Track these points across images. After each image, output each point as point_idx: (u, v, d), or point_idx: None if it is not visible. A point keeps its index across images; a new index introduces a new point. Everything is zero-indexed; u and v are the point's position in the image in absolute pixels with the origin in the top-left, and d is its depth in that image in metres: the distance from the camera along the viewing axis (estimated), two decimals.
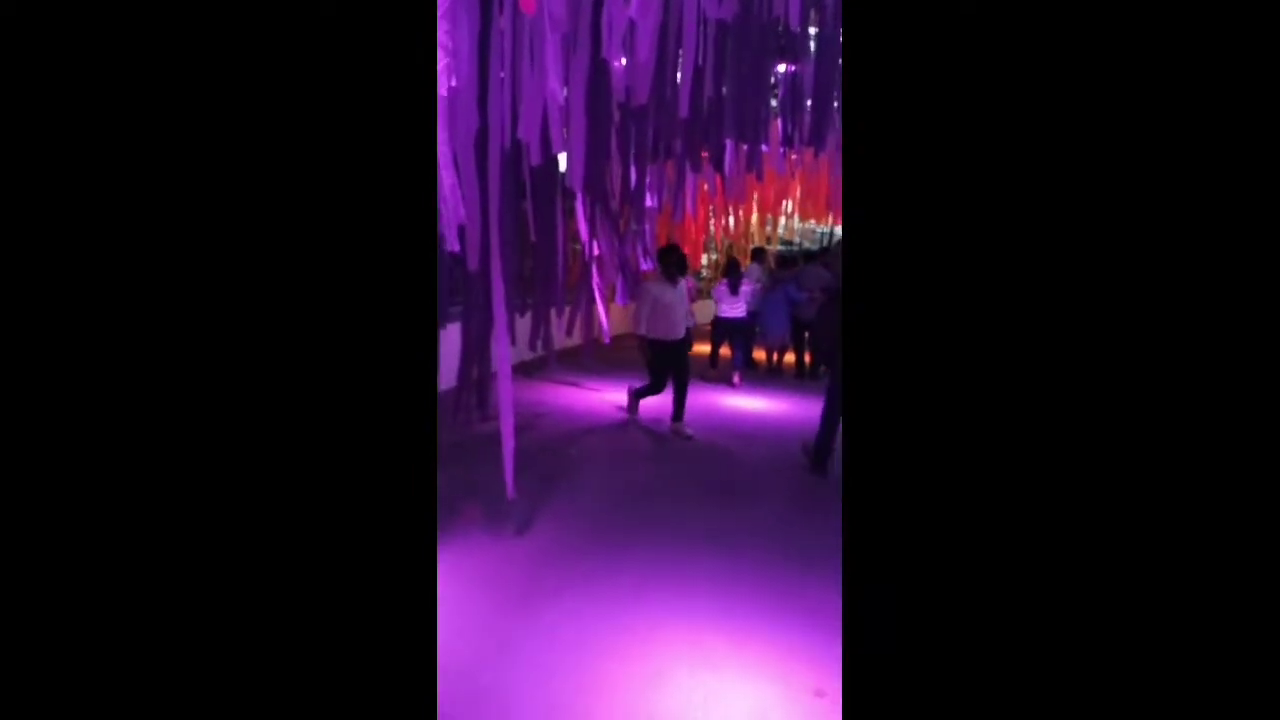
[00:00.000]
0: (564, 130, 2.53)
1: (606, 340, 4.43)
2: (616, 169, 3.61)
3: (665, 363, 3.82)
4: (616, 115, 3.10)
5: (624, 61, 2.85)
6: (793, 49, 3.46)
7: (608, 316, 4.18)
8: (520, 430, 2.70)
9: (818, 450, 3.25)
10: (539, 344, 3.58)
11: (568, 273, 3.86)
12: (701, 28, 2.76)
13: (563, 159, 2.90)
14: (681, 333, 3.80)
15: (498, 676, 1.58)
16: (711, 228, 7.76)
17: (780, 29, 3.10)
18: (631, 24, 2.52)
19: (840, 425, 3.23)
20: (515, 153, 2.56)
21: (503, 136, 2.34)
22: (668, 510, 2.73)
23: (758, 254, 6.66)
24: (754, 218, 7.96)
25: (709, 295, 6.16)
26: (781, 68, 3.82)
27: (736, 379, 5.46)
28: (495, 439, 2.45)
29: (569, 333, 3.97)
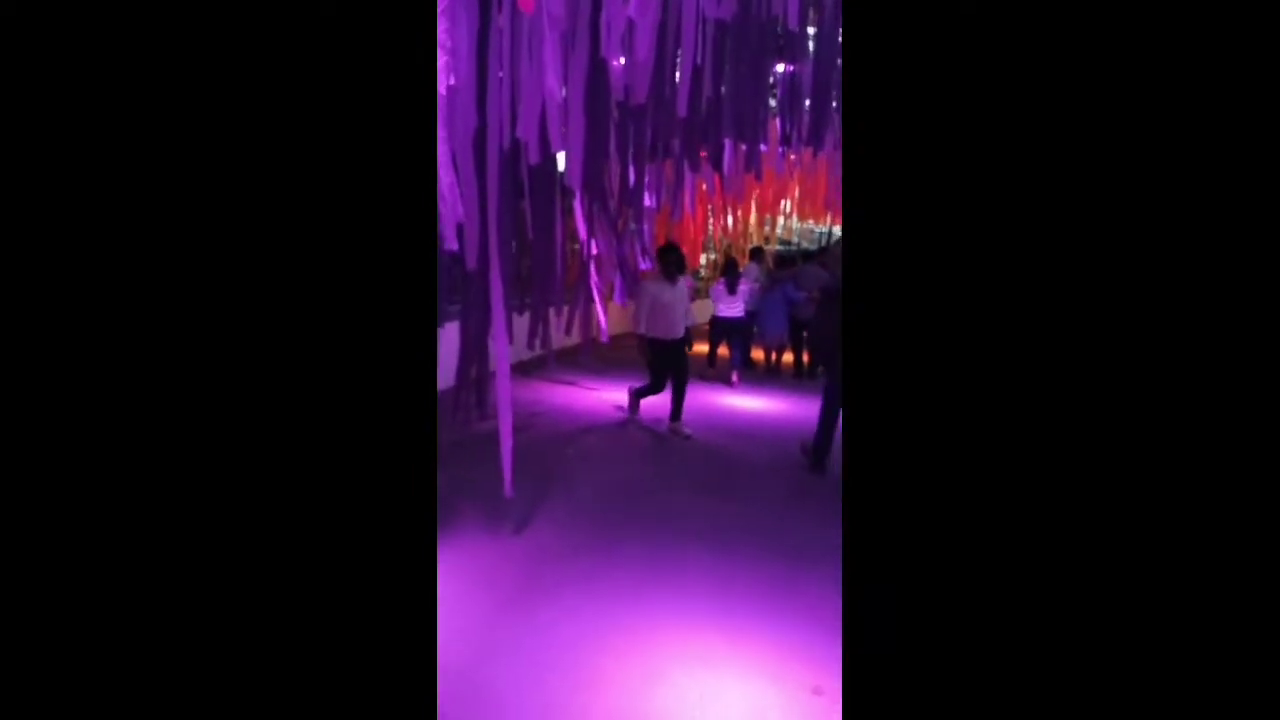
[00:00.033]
0: (562, 129, 2.53)
1: (604, 339, 4.43)
2: (615, 168, 3.61)
3: (664, 362, 3.82)
4: (615, 114, 3.10)
5: (623, 60, 2.85)
6: (791, 49, 3.47)
7: (606, 316, 4.18)
8: (518, 429, 2.70)
9: (816, 450, 3.26)
10: (537, 343, 3.58)
11: (566, 272, 3.86)
12: (700, 27, 2.76)
13: (561, 158, 2.90)
14: (681, 332, 3.81)
15: (495, 674, 1.59)
16: (710, 227, 7.76)
17: (779, 29, 3.10)
18: (630, 23, 2.52)
19: (838, 424, 3.23)
20: (514, 151, 2.55)
21: (501, 135, 2.34)
22: (666, 509, 2.73)
23: (756, 254, 6.66)
24: (752, 217, 7.97)
25: (706, 295, 6.16)
26: (780, 67, 3.82)
27: (735, 378, 5.47)
28: (493, 438, 2.45)
29: (567, 332, 3.97)
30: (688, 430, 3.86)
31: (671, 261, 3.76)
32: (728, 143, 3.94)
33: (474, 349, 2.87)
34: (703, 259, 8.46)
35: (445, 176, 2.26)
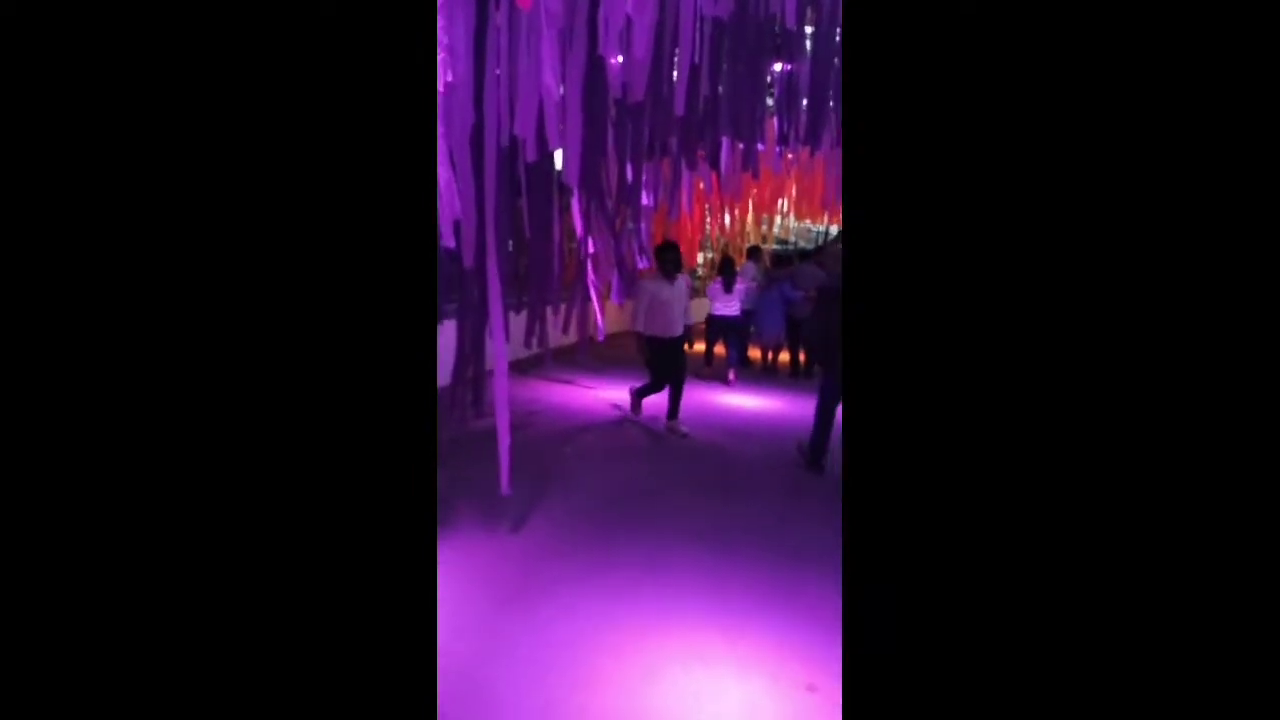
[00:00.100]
0: (560, 127, 2.52)
1: (601, 338, 4.43)
2: (613, 166, 3.60)
3: (663, 360, 3.82)
4: (613, 112, 3.10)
5: (620, 59, 2.84)
6: (789, 48, 3.46)
7: (603, 314, 4.17)
8: (516, 428, 2.70)
9: (813, 448, 3.27)
10: (534, 341, 3.57)
11: (563, 270, 3.85)
12: (698, 25, 2.76)
13: (559, 156, 2.90)
14: (680, 330, 3.80)
15: (492, 672, 1.58)
16: (707, 226, 7.76)
17: (776, 28, 3.10)
18: (628, 21, 2.51)
19: (834, 423, 3.24)
20: (511, 149, 2.55)
21: (499, 133, 2.33)
22: (663, 507, 2.73)
23: (753, 253, 6.67)
24: (749, 216, 7.97)
25: (703, 294, 6.17)
26: (777, 66, 3.82)
27: (731, 377, 5.47)
28: (491, 436, 2.44)
29: (565, 330, 3.97)
30: (685, 429, 3.86)
31: (670, 259, 3.76)
32: (725, 141, 3.93)
33: (471, 347, 2.86)
34: (700, 258, 8.46)
35: (442, 174, 2.25)
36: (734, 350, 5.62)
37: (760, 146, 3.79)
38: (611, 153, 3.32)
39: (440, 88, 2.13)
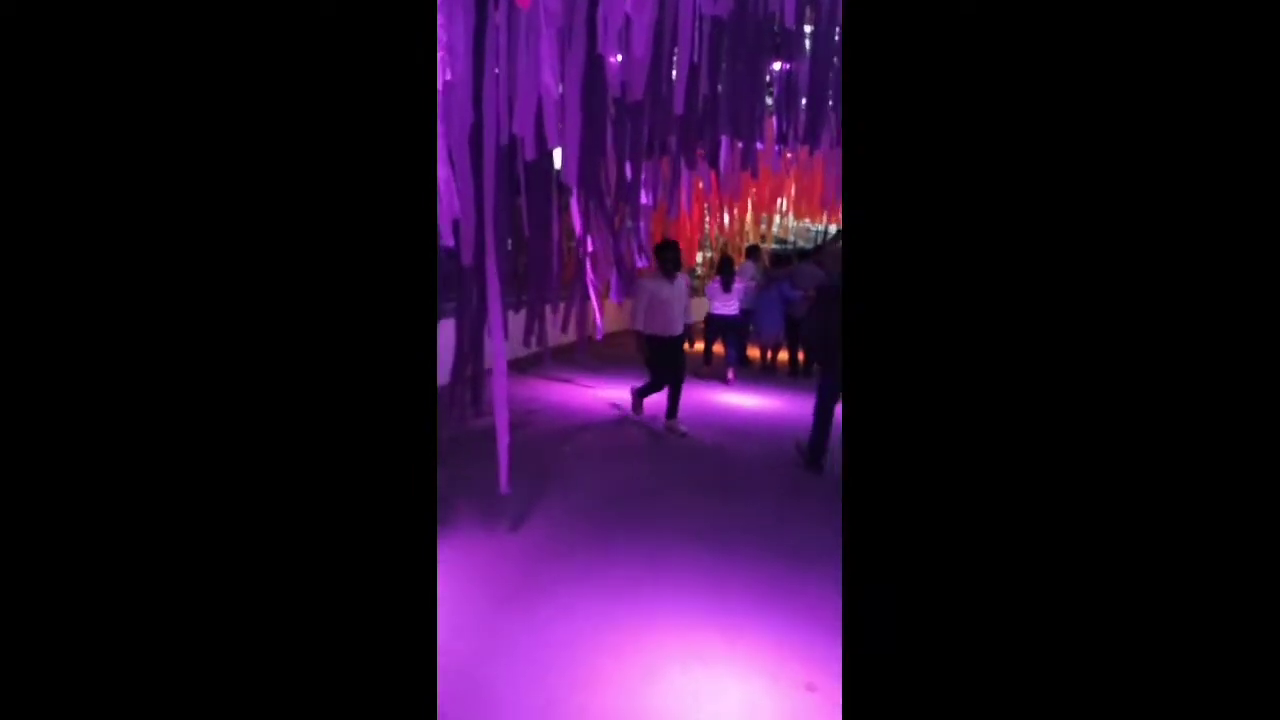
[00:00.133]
0: (559, 126, 2.52)
1: (599, 337, 4.43)
2: (612, 165, 3.60)
3: (662, 359, 3.81)
4: (612, 111, 3.09)
5: (619, 58, 2.84)
6: (788, 47, 3.46)
7: (602, 313, 4.17)
8: (515, 427, 2.70)
9: (812, 447, 3.27)
10: (533, 340, 3.57)
11: (562, 269, 3.85)
12: (697, 24, 2.76)
13: (557, 154, 2.89)
14: (679, 329, 3.80)
15: (491, 671, 1.58)
16: (706, 225, 7.75)
17: (775, 27, 3.10)
18: (627, 19, 2.51)
19: (833, 422, 3.25)
20: (510, 148, 2.54)
21: (498, 131, 2.33)
22: (662, 506, 2.73)
23: (752, 252, 6.67)
24: (748, 216, 7.97)
25: (702, 293, 6.17)
26: (776, 65, 3.82)
27: (730, 376, 5.48)
28: (489, 435, 2.44)
29: (564, 329, 3.97)
30: (684, 428, 3.86)
31: (669, 258, 3.75)
32: (724, 140, 3.93)
33: (470, 346, 2.86)
34: (699, 257, 8.46)
35: (441, 172, 2.25)
36: (733, 349, 5.62)
37: (759, 146, 3.78)
38: (610, 152, 3.31)
39: (439, 86, 2.12)
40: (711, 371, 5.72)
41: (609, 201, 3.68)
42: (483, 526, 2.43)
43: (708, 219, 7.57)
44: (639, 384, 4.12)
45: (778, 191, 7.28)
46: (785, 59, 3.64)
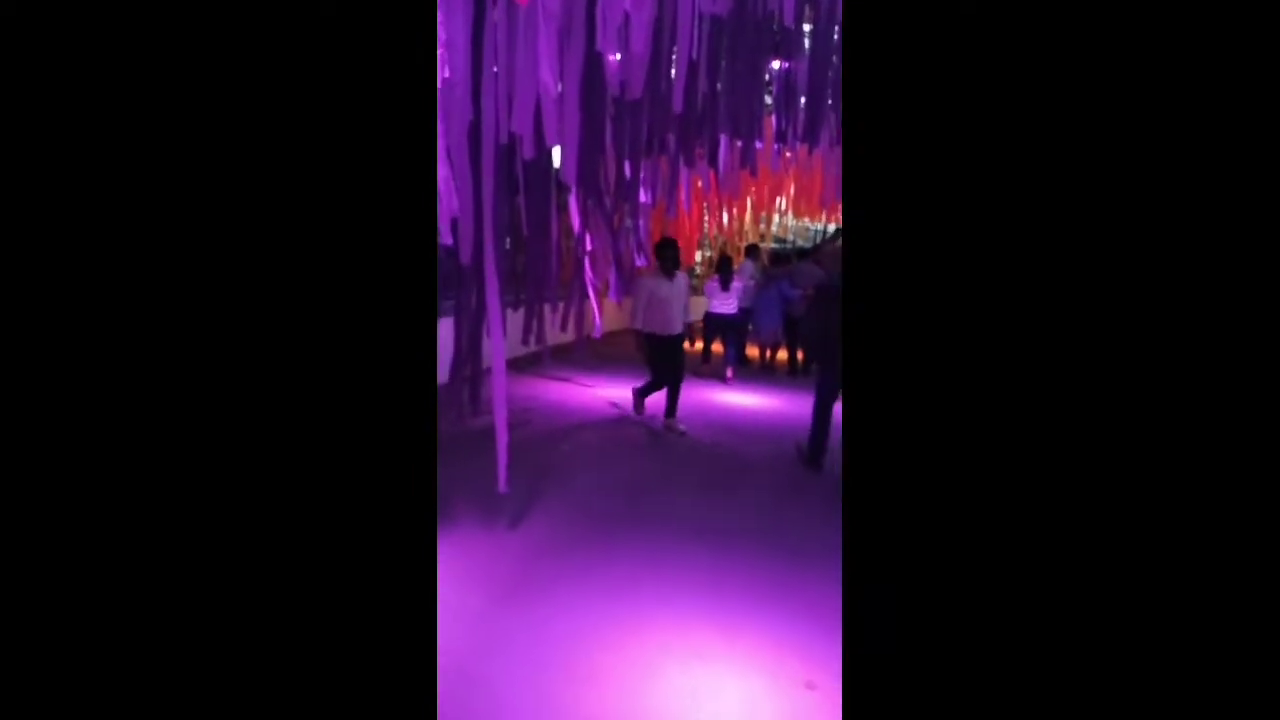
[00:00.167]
0: (558, 124, 2.51)
1: (597, 335, 4.43)
2: (611, 164, 3.59)
3: (661, 358, 3.81)
4: (611, 109, 3.09)
5: (618, 56, 2.83)
6: (787, 45, 3.46)
7: (600, 312, 4.17)
8: (513, 425, 2.69)
9: (812, 446, 3.27)
10: (532, 339, 3.57)
11: (561, 268, 3.85)
12: (696, 22, 2.75)
13: (556, 153, 2.89)
14: (679, 328, 3.80)
15: (490, 669, 1.58)
16: (705, 224, 7.75)
17: (774, 25, 3.09)
18: (626, 17, 2.50)
19: (831, 420, 3.25)
20: (509, 146, 2.54)
21: (496, 129, 2.32)
22: (661, 505, 2.74)
23: (751, 251, 6.68)
24: (747, 214, 7.97)
25: (700, 291, 6.17)
26: (776, 64, 3.82)
27: (729, 375, 5.48)
28: (488, 433, 2.44)
29: (562, 328, 3.97)
30: (683, 427, 3.86)
31: (669, 256, 3.74)
32: (723, 139, 3.93)
33: (468, 345, 2.85)
34: (698, 256, 8.46)
35: (440, 171, 2.24)
36: (731, 348, 5.62)
37: (758, 144, 3.78)
38: (609, 150, 3.31)
39: (438, 84, 2.12)
40: (710, 370, 5.73)
41: (608, 200, 3.68)
42: (482, 525, 2.43)
43: (707, 218, 7.56)
44: (638, 383, 4.12)
45: (777, 190, 7.28)
46: (784, 57, 3.63)
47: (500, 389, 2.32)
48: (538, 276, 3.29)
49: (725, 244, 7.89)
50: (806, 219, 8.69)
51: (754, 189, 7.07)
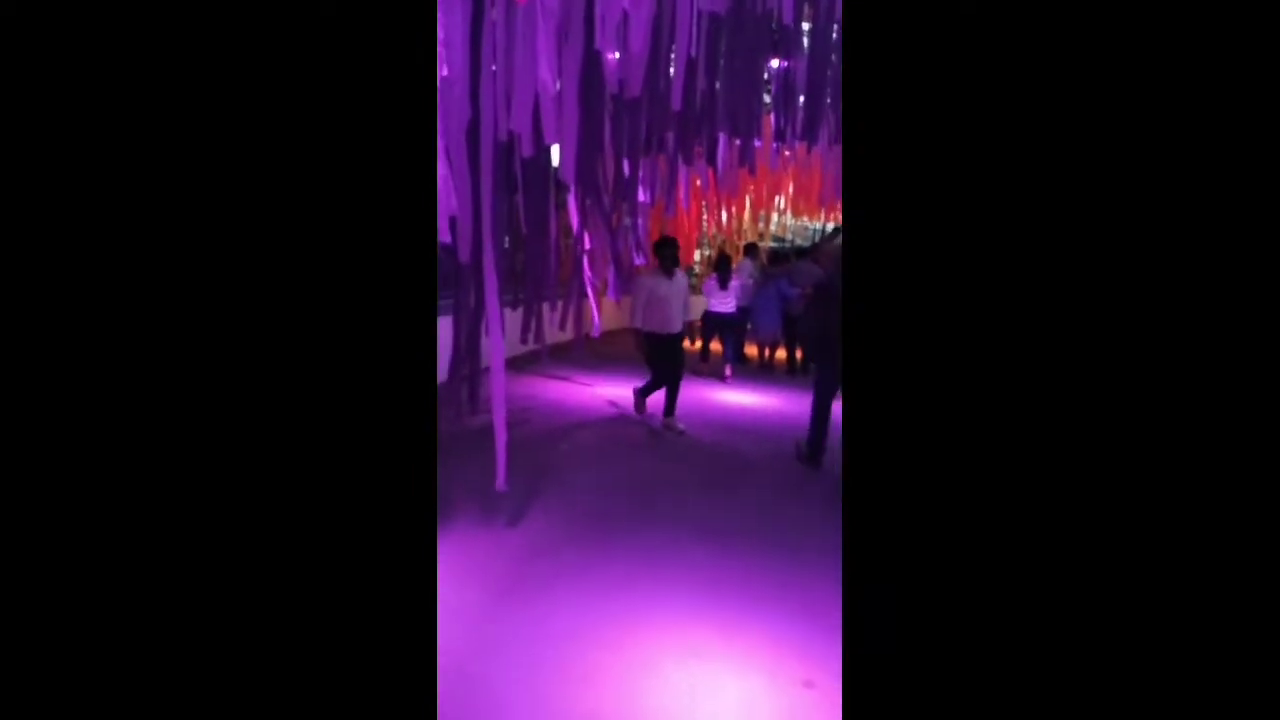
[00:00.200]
0: (556, 122, 2.51)
1: (596, 334, 4.43)
2: (609, 162, 3.59)
3: (660, 357, 3.81)
4: (609, 107, 3.08)
5: (617, 54, 2.83)
6: (786, 44, 3.46)
7: (599, 311, 4.17)
8: (512, 424, 2.69)
9: (811, 445, 3.27)
10: (530, 338, 3.57)
11: (560, 266, 3.84)
12: (695, 20, 2.75)
13: (555, 151, 2.88)
14: (678, 327, 3.79)
15: (488, 667, 1.59)
16: (704, 223, 7.75)
17: (773, 23, 3.09)
18: (625, 15, 2.50)
19: (830, 418, 3.25)
20: (507, 144, 2.53)
21: (494, 127, 2.32)
22: (659, 503, 2.74)
23: (750, 250, 6.68)
24: (746, 213, 7.97)
25: (699, 290, 6.17)
26: (775, 62, 3.81)
27: (728, 374, 5.48)
28: (486, 432, 2.44)
29: (561, 327, 3.97)
30: (681, 425, 3.86)
31: (668, 255, 3.74)
32: (722, 137, 3.92)
33: (467, 343, 2.85)
34: (696, 254, 8.46)
35: (438, 169, 2.24)
36: (730, 347, 5.62)
37: (757, 143, 3.78)
38: (608, 148, 3.30)
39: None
40: (709, 369, 5.73)
41: (606, 198, 3.68)
42: (480, 523, 2.43)
43: (705, 216, 7.56)
44: (637, 382, 4.12)
45: (775, 189, 7.28)
46: (783, 56, 3.63)
47: (499, 388, 2.32)
48: (536, 275, 3.29)
49: (724, 243, 7.89)
50: (805, 218, 8.69)
51: (753, 188, 7.07)
